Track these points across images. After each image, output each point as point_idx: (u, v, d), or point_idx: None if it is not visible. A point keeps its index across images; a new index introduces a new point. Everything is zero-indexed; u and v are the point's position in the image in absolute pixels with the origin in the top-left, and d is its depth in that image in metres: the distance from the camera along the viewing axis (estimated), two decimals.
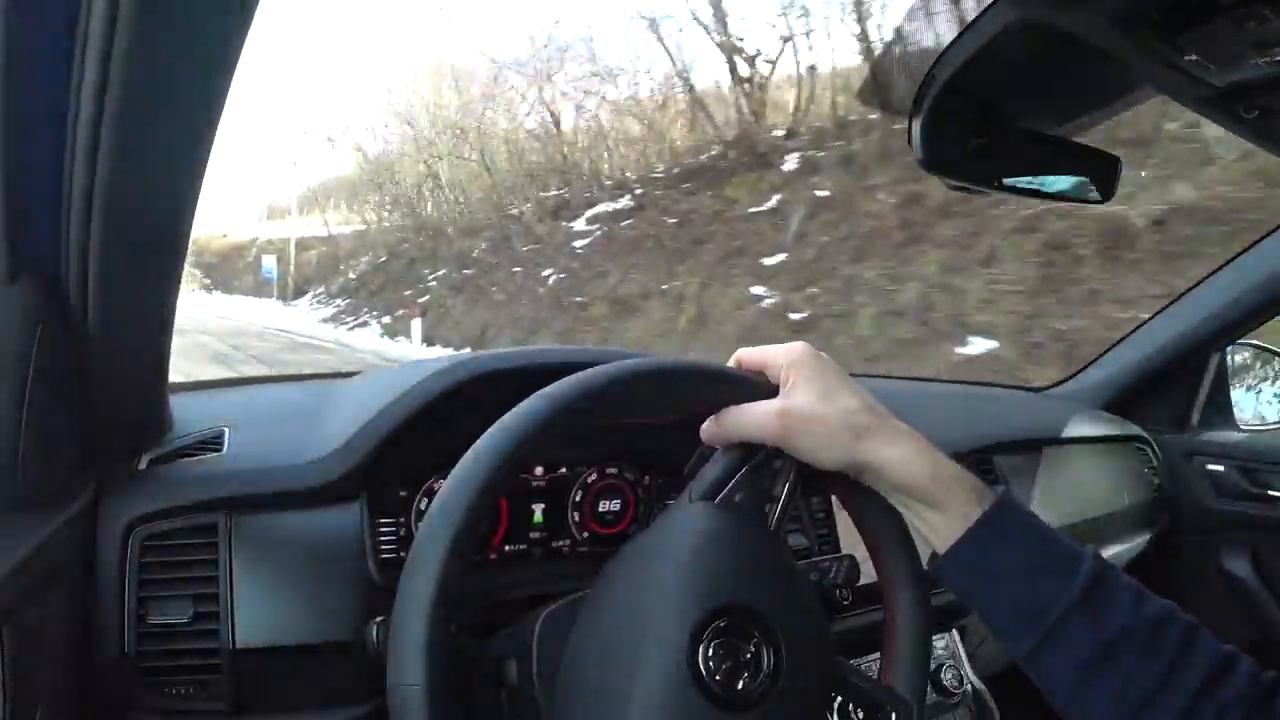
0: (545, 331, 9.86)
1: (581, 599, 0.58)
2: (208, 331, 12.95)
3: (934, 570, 0.58)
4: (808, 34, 9.99)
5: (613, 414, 0.56)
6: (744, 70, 10.28)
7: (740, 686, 0.51)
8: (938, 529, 0.56)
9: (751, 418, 0.57)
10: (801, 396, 0.56)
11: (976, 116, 0.62)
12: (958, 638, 1.02)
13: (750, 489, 0.58)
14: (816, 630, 0.58)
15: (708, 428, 0.60)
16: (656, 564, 0.56)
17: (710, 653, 0.51)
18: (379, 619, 0.68)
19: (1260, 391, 1.57)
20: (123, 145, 0.48)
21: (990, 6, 0.53)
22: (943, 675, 0.95)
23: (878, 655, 0.91)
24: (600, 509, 0.91)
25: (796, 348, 0.59)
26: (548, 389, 0.53)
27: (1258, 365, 1.55)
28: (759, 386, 0.59)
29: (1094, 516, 1.26)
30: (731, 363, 0.62)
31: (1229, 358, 1.48)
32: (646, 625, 0.52)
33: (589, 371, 0.54)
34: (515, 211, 13.45)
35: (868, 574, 0.84)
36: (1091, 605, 0.52)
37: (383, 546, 0.78)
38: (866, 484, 0.58)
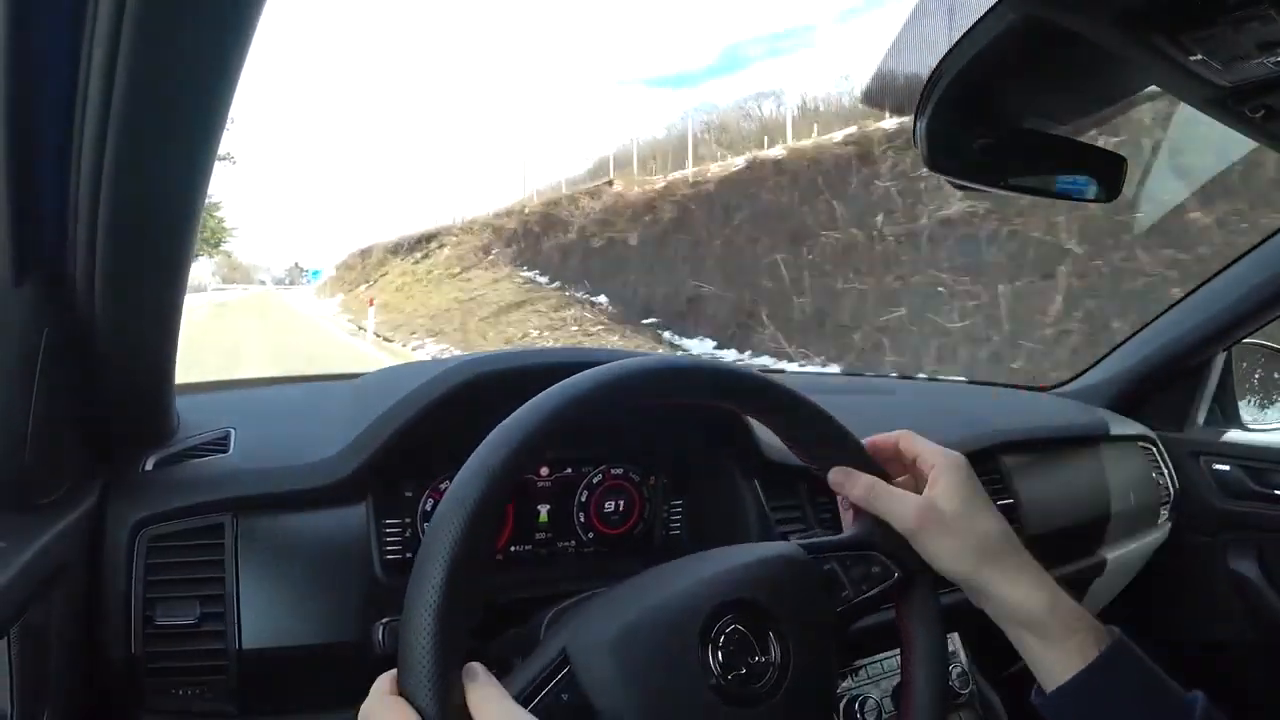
0: None
1: (589, 597, 0.58)
2: None
3: (1041, 706, 0.58)
4: None
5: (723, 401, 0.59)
6: None
7: (748, 683, 0.51)
8: (1049, 665, 0.56)
9: (895, 501, 0.59)
10: (946, 502, 0.58)
11: (981, 116, 0.62)
12: (962, 638, 1.02)
13: (842, 567, 0.59)
14: (827, 639, 0.58)
15: (839, 478, 0.61)
16: (695, 563, 0.57)
17: (720, 649, 0.51)
18: (385, 620, 0.68)
19: (1266, 391, 1.56)
20: (128, 146, 0.48)
21: (995, 6, 0.53)
22: (949, 676, 0.95)
23: (880, 656, 0.91)
24: (606, 509, 0.91)
25: (956, 456, 0.61)
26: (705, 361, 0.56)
27: (1263, 364, 1.55)
28: (872, 466, 0.61)
29: (1100, 516, 1.25)
30: (890, 438, 0.64)
31: (1234, 357, 1.48)
32: (659, 618, 0.52)
33: (728, 365, 0.58)
34: None
35: None
36: None
37: (388, 547, 0.79)
38: (977, 605, 0.59)
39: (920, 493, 0.59)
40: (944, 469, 0.59)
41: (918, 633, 0.60)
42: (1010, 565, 0.57)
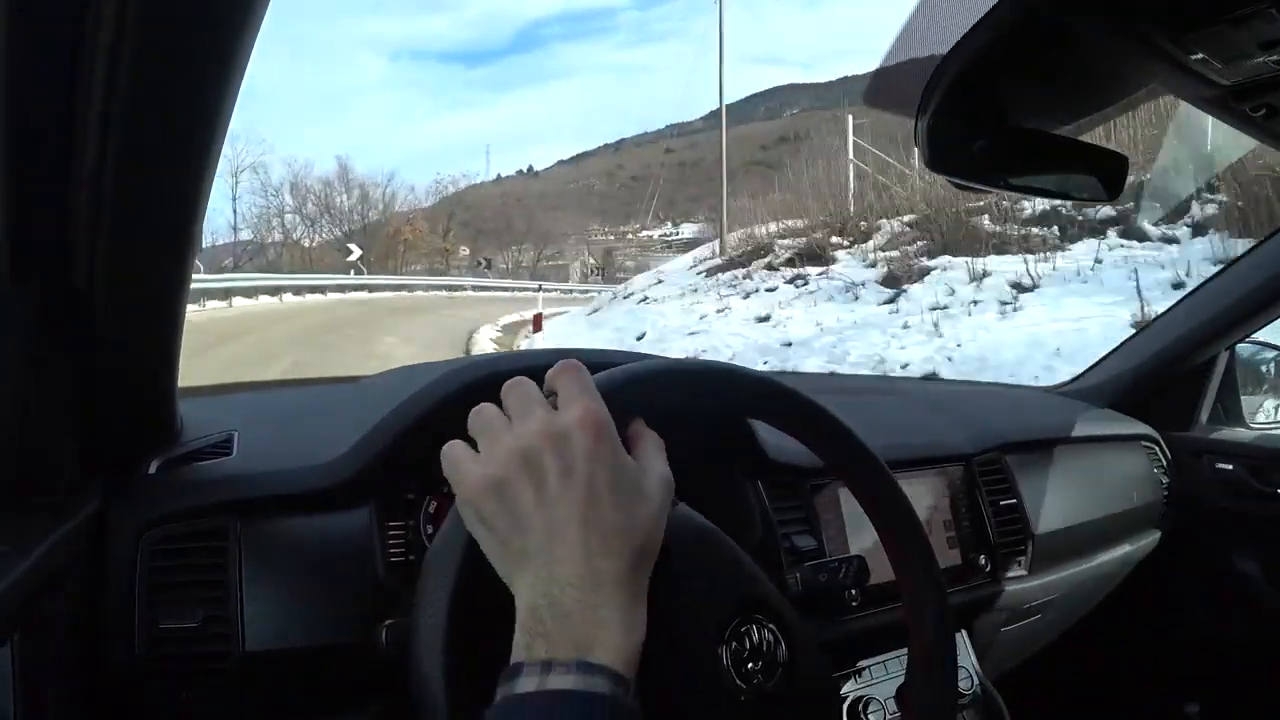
0: None
1: None
2: None
3: None
4: None
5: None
6: None
7: (757, 682, 0.51)
8: None
9: None
10: None
11: (982, 116, 0.62)
12: (966, 638, 1.02)
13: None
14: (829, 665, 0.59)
15: None
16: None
17: (732, 648, 0.51)
18: (388, 622, 0.68)
19: (1269, 389, 1.56)
20: (131, 146, 0.48)
21: (996, 5, 0.53)
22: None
23: (884, 657, 0.91)
24: None
25: None
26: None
27: (1266, 363, 1.54)
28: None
29: (1104, 516, 1.25)
30: None
31: (1237, 356, 1.48)
32: (674, 619, 0.52)
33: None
34: None
35: (876, 574, 0.84)
36: None
37: (391, 550, 0.78)
38: None
39: None
40: None
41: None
42: None
